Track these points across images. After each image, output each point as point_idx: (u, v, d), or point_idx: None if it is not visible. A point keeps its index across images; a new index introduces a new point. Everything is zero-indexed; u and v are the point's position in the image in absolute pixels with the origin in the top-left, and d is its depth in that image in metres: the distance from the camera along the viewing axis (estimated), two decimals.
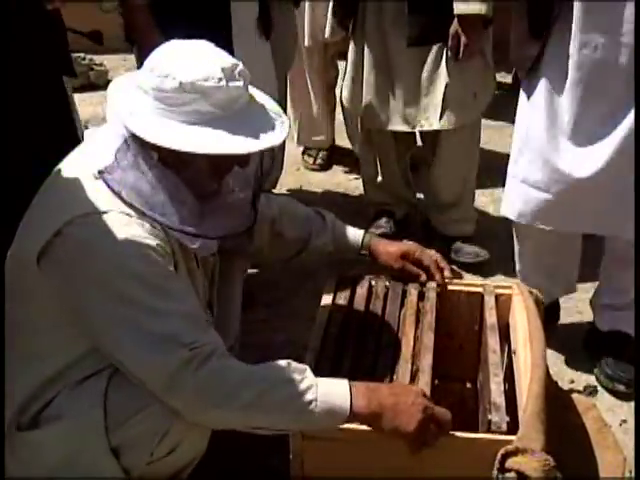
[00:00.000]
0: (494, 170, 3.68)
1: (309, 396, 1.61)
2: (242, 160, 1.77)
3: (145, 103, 1.69)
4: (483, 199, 3.73)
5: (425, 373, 1.81)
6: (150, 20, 2.58)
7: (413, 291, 2.08)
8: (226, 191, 1.86)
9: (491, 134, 4.43)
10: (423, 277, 2.12)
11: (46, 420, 1.73)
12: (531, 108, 2.43)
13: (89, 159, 1.74)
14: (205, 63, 1.68)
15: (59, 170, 1.77)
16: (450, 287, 2.13)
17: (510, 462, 1.59)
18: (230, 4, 2.66)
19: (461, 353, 2.18)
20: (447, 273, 2.13)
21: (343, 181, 4.10)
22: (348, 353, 1.88)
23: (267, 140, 1.71)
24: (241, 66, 1.72)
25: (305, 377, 1.63)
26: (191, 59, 1.68)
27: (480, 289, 2.14)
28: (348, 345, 1.91)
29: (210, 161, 1.71)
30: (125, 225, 1.65)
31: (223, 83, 1.66)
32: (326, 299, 2.08)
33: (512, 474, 1.58)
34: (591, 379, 2.59)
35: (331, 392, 1.62)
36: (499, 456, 1.59)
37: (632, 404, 2.45)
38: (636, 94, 2.10)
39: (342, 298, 2.08)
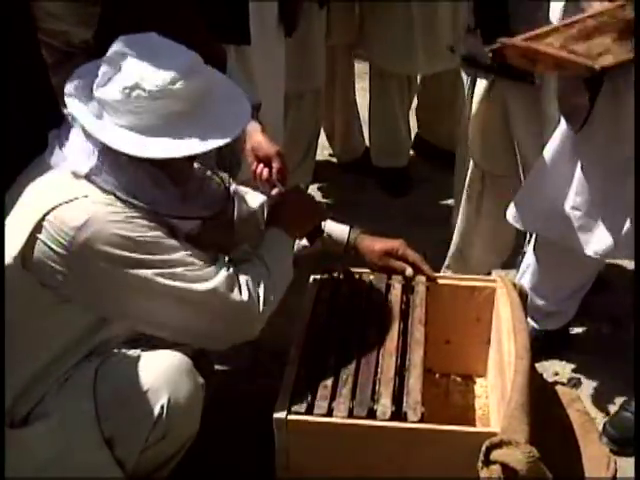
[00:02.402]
0: None
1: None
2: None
3: (105, 106, 1.69)
4: None
5: (417, 367, 1.80)
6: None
7: (397, 285, 2.08)
8: (199, 174, 1.90)
9: None
10: (409, 270, 2.12)
11: (37, 417, 1.73)
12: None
13: (61, 161, 1.72)
14: (163, 64, 1.66)
15: (26, 174, 1.75)
16: (439, 281, 2.14)
17: (494, 454, 1.59)
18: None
19: (447, 347, 2.19)
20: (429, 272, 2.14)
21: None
22: (332, 347, 1.88)
23: (222, 137, 1.71)
24: (198, 64, 1.72)
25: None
26: (150, 61, 1.67)
27: (466, 283, 2.15)
28: (332, 339, 1.91)
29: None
30: (109, 204, 1.66)
31: (180, 84, 1.66)
32: (310, 293, 2.08)
33: (496, 466, 1.58)
34: (576, 371, 2.60)
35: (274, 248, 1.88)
36: (484, 448, 1.60)
37: (617, 396, 2.46)
38: (636, 96, 2.07)
39: (326, 292, 2.08)
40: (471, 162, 2.77)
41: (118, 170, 1.68)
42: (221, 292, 1.71)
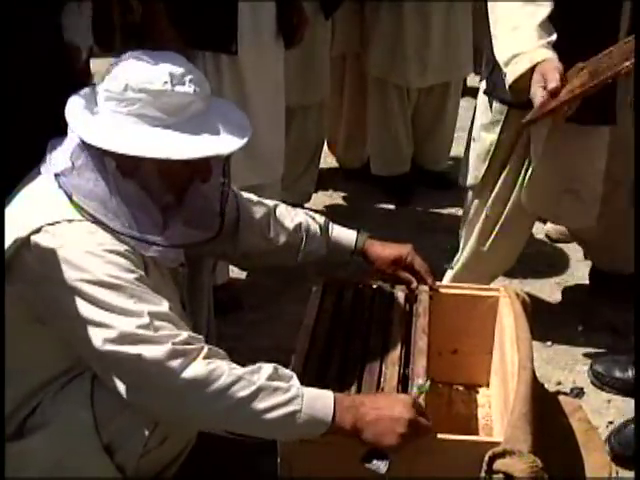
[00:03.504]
0: None
1: (293, 407, 1.59)
2: (199, 172, 1.75)
3: (95, 107, 1.69)
4: None
5: (420, 376, 1.80)
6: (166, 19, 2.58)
7: (400, 294, 2.09)
8: (191, 203, 1.82)
9: None
10: (414, 284, 2.12)
11: (32, 429, 1.73)
12: None
13: (52, 166, 1.72)
14: (155, 68, 1.67)
15: (28, 177, 1.76)
16: (442, 290, 2.14)
17: (498, 464, 1.59)
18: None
19: (450, 356, 2.19)
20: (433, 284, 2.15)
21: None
22: (335, 357, 1.88)
23: (208, 149, 1.68)
24: (196, 74, 1.71)
25: (291, 386, 1.62)
26: (144, 65, 1.68)
27: (469, 292, 2.15)
28: (335, 349, 1.91)
29: (158, 166, 1.68)
30: (91, 233, 1.64)
31: (168, 87, 1.65)
32: (313, 302, 2.08)
33: (500, 476, 1.59)
34: (577, 381, 2.60)
35: (315, 405, 1.61)
36: (487, 458, 1.60)
37: (619, 406, 2.46)
38: (636, 96, 2.08)
39: (329, 301, 2.08)
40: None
41: (90, 180, 1.67)
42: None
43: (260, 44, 2.76)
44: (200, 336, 1.67)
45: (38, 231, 1.61)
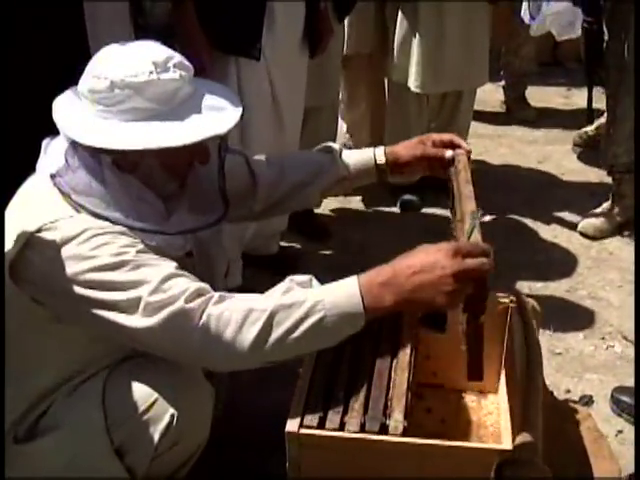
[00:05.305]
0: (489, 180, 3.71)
1: (317, 315, 1.53)
2: (198, 155, 1.74)
3: (83, 107, 1.69)
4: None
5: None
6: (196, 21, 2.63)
7: None
8: (192, 188, 1.81)
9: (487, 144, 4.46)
10: (448, 153, 2.00)
11: (43, 430, 1.73)
12: None
13: (47, 166, 1.73)
14: (136, 59, 1.66)
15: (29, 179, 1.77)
16: None
17: (507, 471, 1.59)
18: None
19: (460, 362, 2.18)
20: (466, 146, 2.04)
21: None
22: (345, 361, 1.87)
23: (207, 130, 1.67)
24: (177, 58, 1.70)
25: (308, 293, 1.56)
26: (124, 58, 1.67)
27: None
28: (345, 353, 1.90)
29: (160, 158, 1.68)
30: (93, 222, 1.63)
31: (154, 76, 1.64)
32: None
33: None
34: (587, 389, 2.59)
35: (340, 302, 1.54)
36: (495, 465, 1.59)
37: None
38: (636, 95, 2.08)
39: None
40: None
41: (86, 177, 1.66)
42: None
43: (289, 51, 2.85)
44: (208, 286, 1.63)
45: (39, 230, 1.61)
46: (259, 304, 1.56)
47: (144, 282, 1.57)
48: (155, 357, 1.69)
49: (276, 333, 1.54)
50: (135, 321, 1.57)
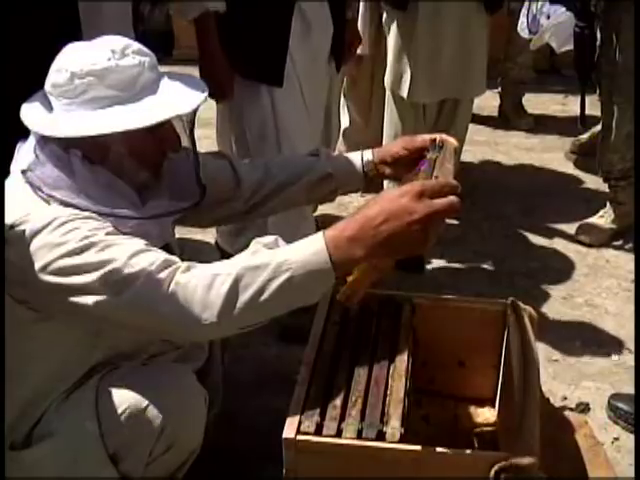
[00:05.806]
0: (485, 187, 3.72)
1: (284, 275, 1.50)
2: (166, 141, 1.74)
3: (49, 104, 1.70)
4: (476, 214, 3.75)
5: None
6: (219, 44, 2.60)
7: (407, 306, 2.09)
8: (169, 177, 1.81)
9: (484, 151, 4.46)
10: (437, 137, 1.92)
11: (38, 438, 1.73)
12: None
13: (18, 163, 1.73)
14: (95, 50, 1.68)
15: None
16: (448, 303, 2.14)
17: (503, 478, 1.59)
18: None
19: (456, 370, 2.19)
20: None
21: None
22: (342, 368, 1.88)
23: (167, 111, 1.67)
24: (136, 46, 1.71)
25: (273, 254, 1.53)
26: (83, 50, 1.68)
27: (477, 305, 2.15)
28: (343, 359, 1.91)
29: (127, 145, 1.69)
30: (62, 210, 1.63)
31: (112, 62, 1.65)
32: (320, 313, 2.08)
33: None
34: (583, 396, 2.59)
35: (307, 259, 1.50)
36: (493, 472, 1.59)
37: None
38: (636, 94, 2.07)
39: (337, 312, 2.08)
40: None
41: (56, 169, 1.67)
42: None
43: (319, 64, 2.83)
44: (176, 257, 1.61)
45: (12, 227, 1.60)
46: (225, 269, 1.53)
47: (112, 260, 1.55)
48: (146, 363, 1.70)
49: (244, 296, 1.51)
50: (105, 300, 1.55)
